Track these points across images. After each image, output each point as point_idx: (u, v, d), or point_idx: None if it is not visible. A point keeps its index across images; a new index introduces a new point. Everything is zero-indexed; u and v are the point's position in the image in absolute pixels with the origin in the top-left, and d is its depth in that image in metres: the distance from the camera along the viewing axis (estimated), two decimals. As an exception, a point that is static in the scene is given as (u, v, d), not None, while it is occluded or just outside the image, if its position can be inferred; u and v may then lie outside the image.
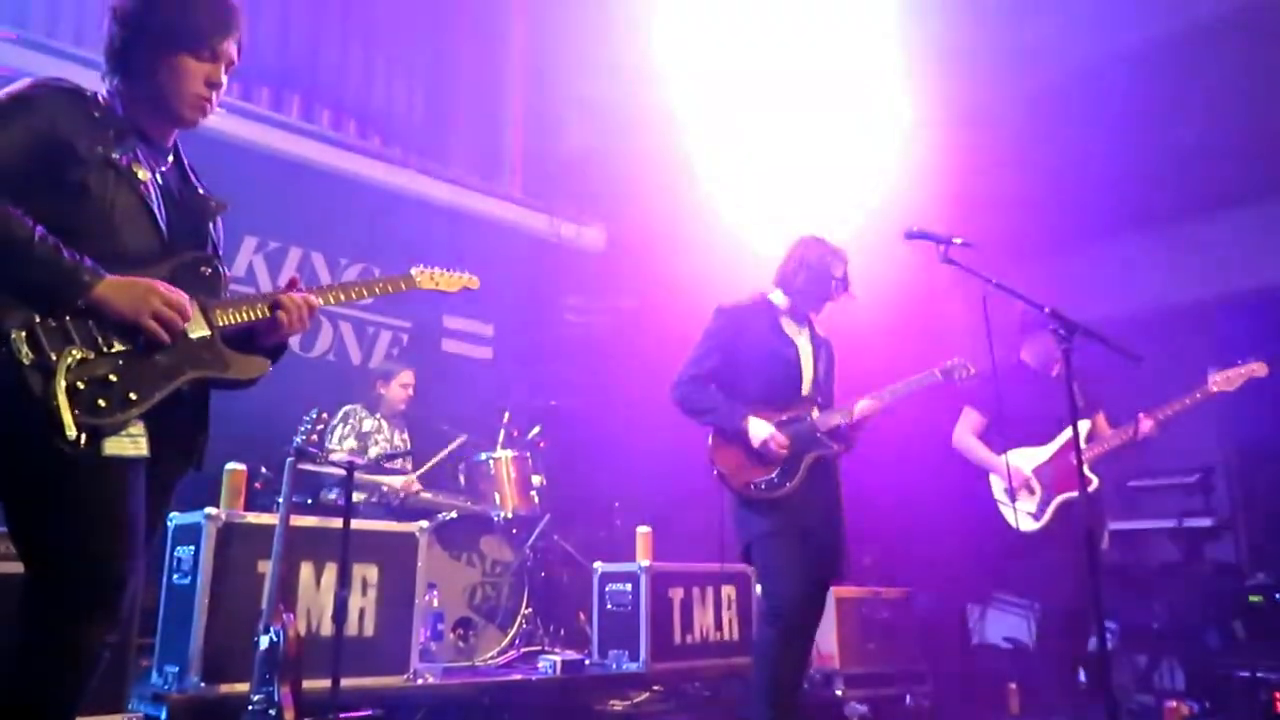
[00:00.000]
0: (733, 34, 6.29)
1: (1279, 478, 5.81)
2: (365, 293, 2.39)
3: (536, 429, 5.66)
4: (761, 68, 6.31)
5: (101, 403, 1.77)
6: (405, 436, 5.62)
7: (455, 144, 7.37)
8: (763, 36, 6.29)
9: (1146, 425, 4.14)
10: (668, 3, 6.30)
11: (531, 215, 7.51)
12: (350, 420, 5.43)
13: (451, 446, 5.46)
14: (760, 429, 3.37)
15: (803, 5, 6.23)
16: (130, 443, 1.82)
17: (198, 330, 1.95)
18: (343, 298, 2.29)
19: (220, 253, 2.14)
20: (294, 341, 6.40)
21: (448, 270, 2.67)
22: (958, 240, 3.21)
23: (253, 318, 2.07)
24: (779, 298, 3.61)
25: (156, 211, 1.97)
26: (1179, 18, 5.72)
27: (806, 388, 3.52)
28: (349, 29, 6.83)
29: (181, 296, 1.90)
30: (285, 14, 6.50)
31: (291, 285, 2.17)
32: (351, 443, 5.35)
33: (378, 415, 5.53)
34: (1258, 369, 4.12)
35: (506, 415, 5.70)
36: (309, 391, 5.20)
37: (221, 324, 2.00)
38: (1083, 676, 4.96)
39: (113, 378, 1.80)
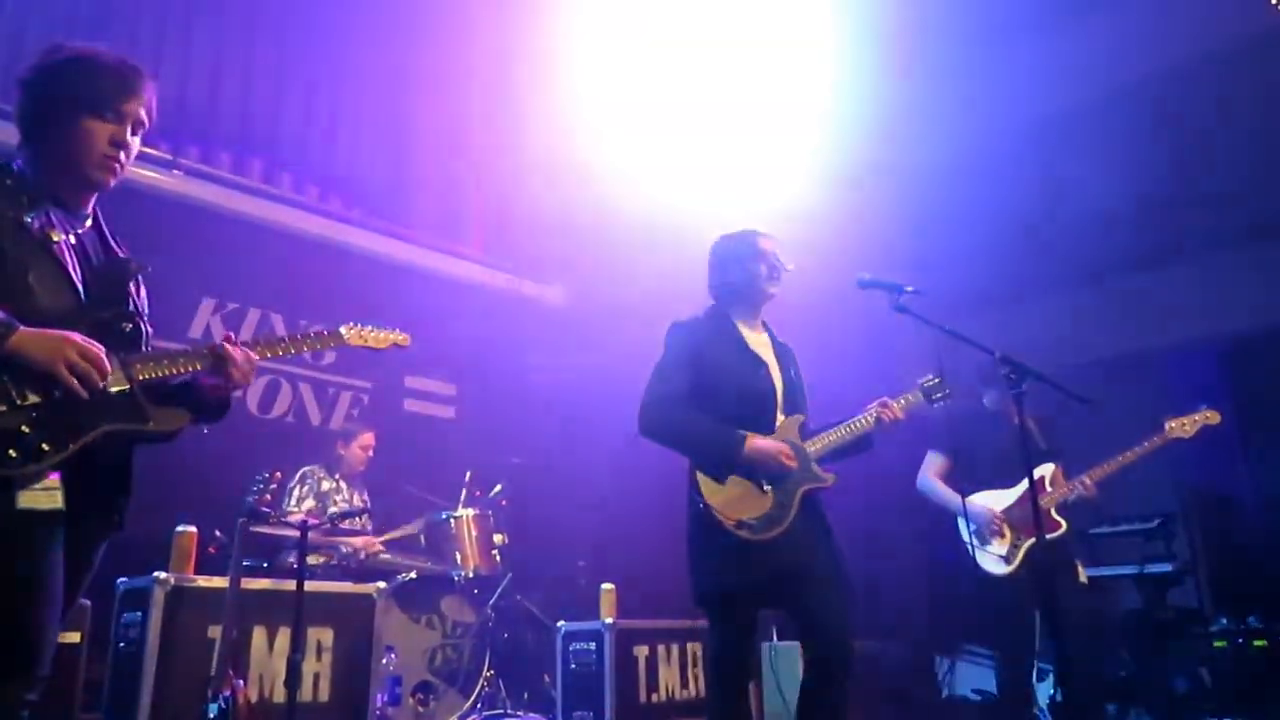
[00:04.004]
0: (688, 93, 6.43)
1: (1235, 522, 5.88)
2: (293, 349, 2.38)
3: (498, 487, 5.60)
4: (718, 125, 6.44)
5: (12, 453, 1.76)
6: (365, 497, 5.55)
7: (416, 204, 7.41)
8: (718, 96, 6.43)
9: (1086, 484, 4.23)
10: (628, 63, 6.43)
11: (492, 274, 7.56)
12: (308, 481, 5.36)
13: (416, 526, 5.39)
14: (765, 444, 2.98)
15: (759, 64, 6.39)
16: (46, 496, 1.81)
17: (116, 384, 1.95)
18: (268, 354, 2.27)
19: (143, 312, 2.15)
20: (252, 402, 6.39)
21: (378, 328, 2.65)
22: (909, 289, 3.25)
23: (177, 372, 2.07)
24: (728, 306, 3.31)
25: (72, 272, 1.99)
26: (1139, 69, 5.93)
27: (779, 411, 3.16)
28: (310, 92, 6.89)
29: (98, 349, 1.90)
30: (247, 78, 6.55)
31: (227, 340, 2.17)
32: (310, 503, 5.27)
33: (337, 476, 5.46)
34: (1211, 416, 4.28)
35: (469, 474, 5.64)
36: (268, 453, 5.15)
37: (141, 378, 1.99)
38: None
39: (25, 429, 1.79)
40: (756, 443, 2.97)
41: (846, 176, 6.39)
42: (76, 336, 1.87)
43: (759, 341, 3.27)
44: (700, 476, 3.01)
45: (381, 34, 7.12)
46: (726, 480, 2.99)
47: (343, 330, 2.55)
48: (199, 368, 2.10)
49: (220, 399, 2.18)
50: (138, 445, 2.05)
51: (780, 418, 3.14)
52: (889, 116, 6.33)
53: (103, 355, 1.90)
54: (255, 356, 2.18)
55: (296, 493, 5.28)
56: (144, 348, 2.07)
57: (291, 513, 5.08)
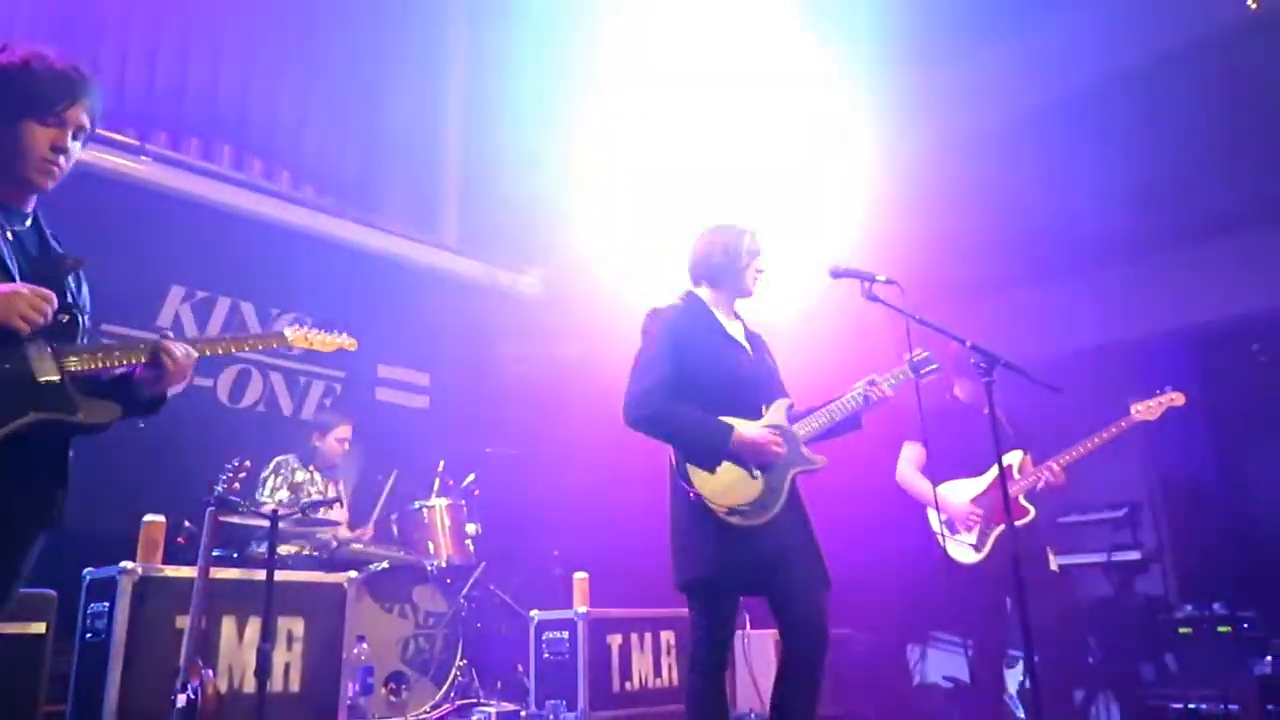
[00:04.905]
0: (668, 81, 6.41)
1: (1202, 510, 5.96)
2: (234, 348, 2.37)
3: (471, 476, 5.58)
4: (697, 113, 6.43)
5: None
6: (340, 489, 5.52)
7: (390, 192, 7.35)
8: (699, 83, 6.42)
9: (1054, 470, 4.26)
10: (604, 52, 6.40)
11: (468, 263, 7.50)
12: (282, 471, 5.33)
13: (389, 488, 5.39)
14: (754, 433, 2.97)
15: (741, 50, 6.38)
16: None
17: (47, 374, 1.93)
18: (208, 352, 2.25)
19: (81, 305, 2.14)
20: (223, 392, 6.32)
21: (325, 331, 2.64)
22: (881, 278, 3.26)
23: (111, 365, 2.06)
24: (705, 292, 3.29)
25: (10, 264, 1.99)
26: (1109, 64, 5.97)
27: (764, 395, 3.16)
28: (281, 77, 6.81)
29: (48, 292, 1.92)
30: (215, 62, 6.46)
31: (165, 337, 2.16)
32: (284, 494, 5.24)
33: (311, 467, 5.43)
34: (1175, 398, 4.31)
35: (442, 464, 5.63)
36: (238, 443, 5.09)
37: (73, 369, 1.98)
38: (1021, 713, 5.00)
39: None
40: (745, 432, 2.97)
41: (823, 167, 6.40)
42: (23, 287, 1.90)
43: (734, 329, 3.27)
44: (691, 466, 2.98)
45: (354, 19, 7.04)
46: (718, 469, 2.96)
47: (286, 331, 2.53)
48: (135, 362, 2.09)
49: (156, 395, 2.16)
50: (74, 437, 2.03)
51: (763, 402, 3.15)
52: (868, 106, 6.33)
53: (53, 297, 1.93)
54: (194, 354, 2.17)
55: (270, 482, 5.24)
56: (80, 340, 2.06)
57: (264, 503, 5.05)
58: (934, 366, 3.35)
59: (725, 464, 2.97)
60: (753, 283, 3.28)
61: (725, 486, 2.95)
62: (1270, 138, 5.64)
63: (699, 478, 2.96)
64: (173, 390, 2.18)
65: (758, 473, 2.99)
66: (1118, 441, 4.31)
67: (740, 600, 3.14)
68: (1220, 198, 6.08)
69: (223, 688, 3.59)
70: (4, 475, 1.84)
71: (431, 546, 5.17)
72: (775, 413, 3.13)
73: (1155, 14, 5.84)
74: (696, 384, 3.04)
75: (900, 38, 6.15)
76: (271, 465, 5.32)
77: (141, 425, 2.21)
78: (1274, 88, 5.52)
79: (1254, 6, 5.47)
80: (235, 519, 4.28)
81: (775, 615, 3.05)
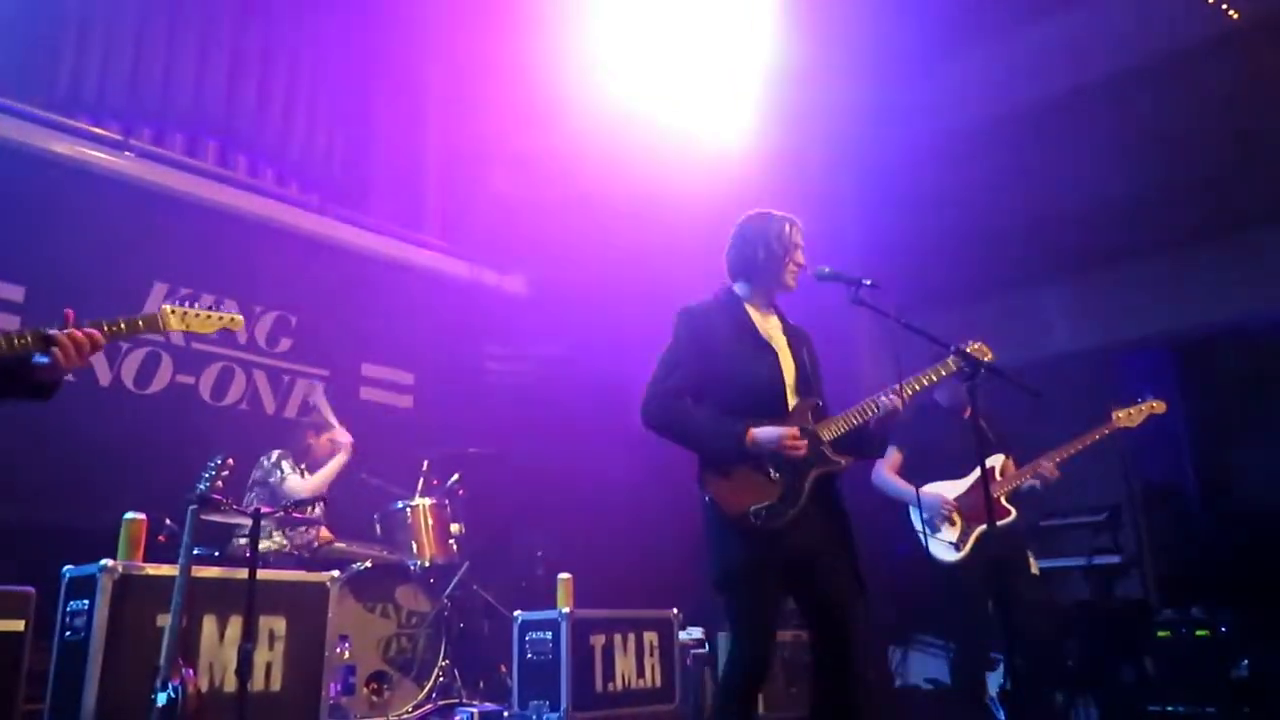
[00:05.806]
0: (655, 80, 6.43)
1: (1181, 515, 6.02)
2: (113, 329, 2.23)
3: (456, 476, 5.56)
4: (685, 113, 6.44)
5: None
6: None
7: (375, 190, 7.34)
8: (685, 83, 6.44)
9: (1046, 466, 4.29)
10: (589, 53, 6.41)
11: (452, 262, 7.49)
12: (285, 462, 5.30)
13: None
14: (768, 431, 2.88)
15: (730, 49, 6.40)
16: None
17: None
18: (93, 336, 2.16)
19: None
20: (205, 390, 6.26)
21: (204, 309, 2.49)
22: (867, 282, 3.26)
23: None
24: (741, 287, 3.22)
25: None
26: (1093, 71, 6.01)
27: (792, 396, 3.05)
28: (267, 74, 6.78)
29: None
30: (202, 59, 6.43)
31: (67, 320, 2.10)
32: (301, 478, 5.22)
33: (302, 466, 5.40)
34: (1157, 406, 4.36)
35: (426, 463, 5.60)
36: (219, 441, 5.05)
37: None
38: (1001, 715, 5.03)
39: None
40: (757, 433, 2.89)
41: (809, 172, 6.42)
42: None
43: (770, 326, 3.18)
44: (707, 471, 2.95)
45: (342, 15, 7.02)
46: (734, 471, 2.91)
47: (162, 311, 2.39)
48: (21, 347, 2.03)
49: (52, 380, 2.11)
50: None
51: (793, 403, 3.06)
52: (854, 113, 6.36)
53: None
54: (97, 336, 2.11)
55: (287, 466, 5.19)
56: None
57: (287, 478, 5.06)
58: (990, 357, 3.30)
59: (742, 467, 2.91)
60: (793, 278, 3.19)
61: (741, 489, 2.90)
62: (1251, 148, 5.70)
63: (714, 480, 2.93)
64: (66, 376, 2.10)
65: (776, 474, 2.91)
66: (1099, 446, 4.35)
67: (779, 607, 2.99)
68: (1201, 206, 6.14)
69: (203, 687, 3.56)
70: None
71: (415, 546, 5.15)
72: (799, 412, 3.05)
73: (1137, 24, 5.89)
74: (721, 384, 3.00)
75: (885, 39, 6.19)
76: (274, 456, 5.26)
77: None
78: (1253, 99, 5.57)
79: (1234, 16, 5.52)
80: (217, 517, 4.26)
81: (804, 619, 2.99)
